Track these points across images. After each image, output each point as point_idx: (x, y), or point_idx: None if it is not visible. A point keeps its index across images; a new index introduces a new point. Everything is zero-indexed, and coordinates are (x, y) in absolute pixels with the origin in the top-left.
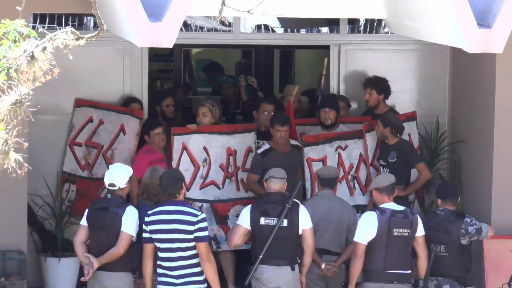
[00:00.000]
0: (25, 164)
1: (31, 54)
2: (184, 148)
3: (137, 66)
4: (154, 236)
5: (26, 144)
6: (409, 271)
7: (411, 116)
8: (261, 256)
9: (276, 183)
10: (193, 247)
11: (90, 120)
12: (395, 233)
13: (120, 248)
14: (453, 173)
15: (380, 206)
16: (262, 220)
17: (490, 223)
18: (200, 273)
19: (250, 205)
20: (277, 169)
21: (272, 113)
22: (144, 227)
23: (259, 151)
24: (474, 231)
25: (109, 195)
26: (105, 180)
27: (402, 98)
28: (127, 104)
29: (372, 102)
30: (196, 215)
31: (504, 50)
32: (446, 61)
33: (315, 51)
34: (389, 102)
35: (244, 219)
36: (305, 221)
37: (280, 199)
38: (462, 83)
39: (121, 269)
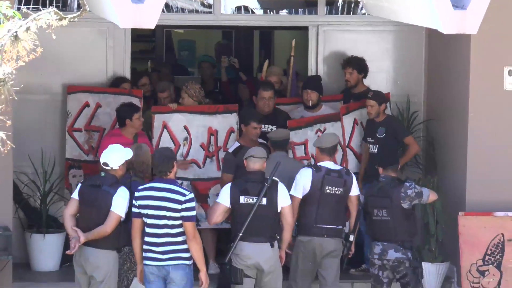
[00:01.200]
0: (8, 142)
1: (15, 34)
2: (165, 126)
3: (120, 46)
4: (142, 211)
5: (9, 122)
6: (340, 227)
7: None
8: (240, 234)
9: (256, 162)
10: (180, 225)
11: (86, 105)
12: (327, 191)
13: (107, 227)
14: (428, 151)
15: (318, 163)
16: (242, 199)
17: (464, 201)
18: (186, 250)
19: (229, 184)
20: (257, 148)
21: (271, 99)
22: (133, 201)
23: (230, 150)
24: (414, 194)
25: (102, 174)
26: (101, 158)
27: (379, 78)
28: (118, 84)
29: (352, 81)
30: (184, 195)
31: (478, 31)
32: (422, 42)
33: (294, 32)
34: (366, 81)
35: (224, 197)
36: (284, 199)
37: (260, 178)
38: (438, 63)
39: (106, 247)
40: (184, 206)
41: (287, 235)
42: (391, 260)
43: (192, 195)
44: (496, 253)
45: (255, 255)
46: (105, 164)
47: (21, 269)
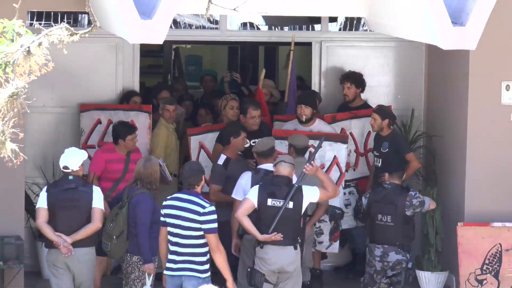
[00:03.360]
0: (21, 154)
1: (27, 49)
2: (201, 146)
3: (129, 61)
4: (166, 219)
5: (21, 135)
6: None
7: None
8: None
9: (286, 167)
10: (200, 237)
11: (99, 122)
12: None
13: (98, 222)
14: (429, 163)
15: (258, 166)
16: (269, 201)
17: (463, 212)
18: (203, 263)
19: (257, 185)
20: (287, 156)
21: (260, 117)
22: (161, 210)
23: (220, 162)
24: (418, 203)
25: (70, 177)
26: (60, 162)
27: (380, 92)
28: (128, 98)
29: (350, 96)
30: (204, 207)
31: (476, 47)
32: (422, 57)
33: (297, 48)
34: (368, 96)
35: (252, 196)
36: (311, 196)
37: (287, 182)
38: (438, 78)
39: (89, 244)
40: (204, 218)
41: (319, 212)
42: (392, 262)
43: (212, 208)
44: (494, 263)
45: (279, 259)
46: (66, 167)
47: (33, 277)
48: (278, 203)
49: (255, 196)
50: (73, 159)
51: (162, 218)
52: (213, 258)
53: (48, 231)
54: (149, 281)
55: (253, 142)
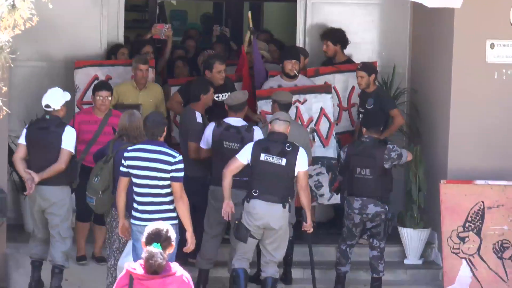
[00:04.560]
0: (4, 108)
1: (12, 2)
2: None
3: (113, 15)
4: (131, 171)
5: (5, 89)
6: (245, 179)
7: None
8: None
9: (281, 125)
10: (169, 186)
11: (96, 78)
12: (225, 145)
13: (62, 163)
14: (413, 120)
15: (224, 119)
16: (262, 156)
17: (446, 169)
18: (173, 210)
19: (253, 142)
20: (282, 113)
21: (226, 71)
22: (122, 161)
23: (199, 120)
24: (396, 156)
25: (47, 116)
26: (42, 101)
27: (364, 49)
28: (115, 51)
29: (329, 52)
30: (174, 156)
31: (462, 5)
32: (407, 14)
33: (283, 4)
34: (353, 52)
35: (243, 154)
36: (302, 164)
37: (282, 139)
38: (422, 36)
39: (61, 183)
40: (173, 167)
41: (305, 200)
42: (371, 214)
43: (181, 157)
44: (476, 220)
45: (266, 214)
46: (47, 106)
47: (15, 230)
48: (271, 158)
49: (247, 154)
50: (55, 98)
51: (124, 169)
52: (176, 206)
53: (19, 166)
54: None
55: (216, 97)
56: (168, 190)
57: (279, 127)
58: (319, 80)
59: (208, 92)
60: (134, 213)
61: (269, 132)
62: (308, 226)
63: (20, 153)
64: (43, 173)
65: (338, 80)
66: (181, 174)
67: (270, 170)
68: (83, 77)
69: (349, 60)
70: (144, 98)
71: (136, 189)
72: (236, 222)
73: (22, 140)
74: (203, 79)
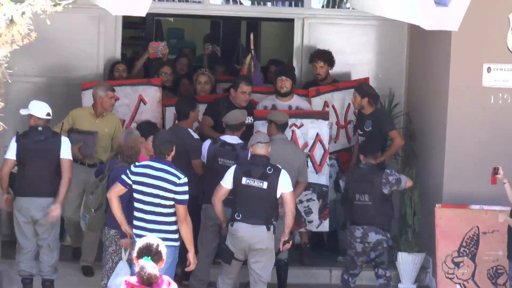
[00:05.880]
0: (0, 123)
1: (10, 17)
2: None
3: (111, 32)
4: (135, 186)
5: (2, 104)
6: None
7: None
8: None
9: (262, 147)
10: (172, 206)
11: None
12: (220, 162)
13: (68, 173)
14: (408, 144)
15: (220, 137)
16: (244, 180)
17: (442, 193)
18: (174, 232)
19: (235, 165)
20: (262, 134)
21: (250, 94)
22: (128, 173)
23: (198, 137)
24: (394, 181)
25: (40, 128)
26: (38, 111)
27: (361, 70)
28: (113, 67)
29: (323, 74)
30: (179, 177)
31: (459, 28)
32: (404, 36)
33: (280, 24)
34: (350, 74)
35: (226, 179)
36: (285, 186)
37: (264, 162)
38: (419, 58)
39: (53, 195)
40: (178, 188)
41: (288, 220)
42: (372, 242)
43: (186, 179)
44: (471, 245)
45: (250, 237)
46: (49, 114)
47: (10, 247)
48: (252, 182)
49: (230, 178)
50: (38, 107)
51: (127, 180)
52: (179, 228)
53: (6, 185)
54: (125, 256)
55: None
56: (171, 210)
57: (261, 150)
58: (319, 100)
59: (195, 108)
60: (135, 230)
61: (251, 155)
62: (285, 236)
63: (8, 169)
64: (59, 197)
65: (336, 98)
66: (186, 197)
67: (252, 193)
68: (90, 98)
69: (334, 81)
70: (100, 126)
71: (138, 205)
72: (222, 245)
73: (11, 155)
74: (187, 97)
